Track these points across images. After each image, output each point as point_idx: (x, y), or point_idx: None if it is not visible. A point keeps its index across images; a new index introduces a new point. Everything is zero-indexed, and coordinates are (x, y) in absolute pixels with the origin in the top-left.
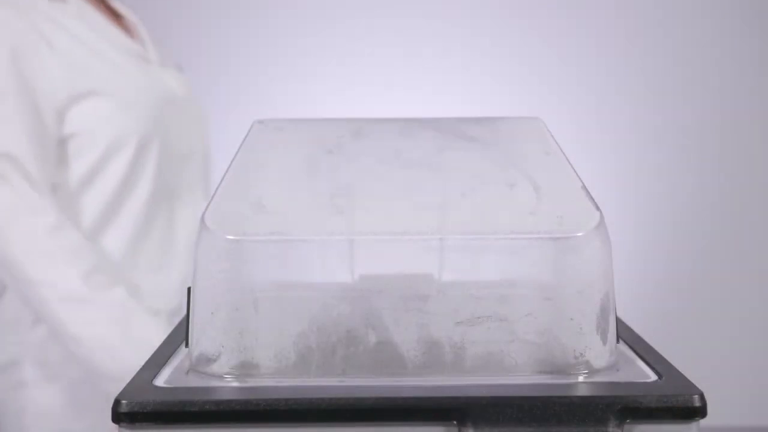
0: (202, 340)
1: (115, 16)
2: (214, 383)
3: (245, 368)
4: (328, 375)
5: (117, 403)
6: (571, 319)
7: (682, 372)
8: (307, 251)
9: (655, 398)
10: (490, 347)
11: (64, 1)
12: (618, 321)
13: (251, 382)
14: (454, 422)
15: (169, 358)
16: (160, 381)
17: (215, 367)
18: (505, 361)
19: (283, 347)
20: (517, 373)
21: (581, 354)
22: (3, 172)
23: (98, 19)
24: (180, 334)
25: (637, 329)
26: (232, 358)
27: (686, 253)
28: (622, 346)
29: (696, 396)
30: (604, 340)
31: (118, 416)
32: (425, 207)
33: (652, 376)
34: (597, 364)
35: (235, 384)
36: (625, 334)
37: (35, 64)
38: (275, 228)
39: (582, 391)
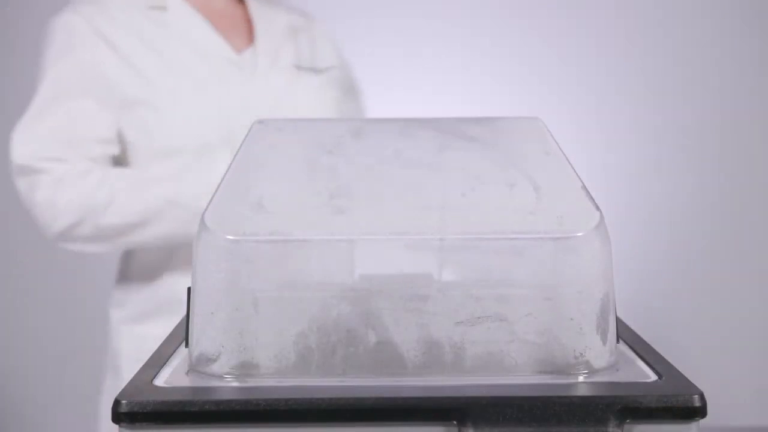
0: (202, 340)
1: (246, 19)
2: (214, 383)
3: (245, 368)
4: (328, 375)
5: (117, 403)
6: (571, 319)
7: (682, 372)
8: (307, 251)
9: (655, 398)
10: (490, 347)
11: (163, 8)
12: (618, 321)
13: (251, 382)
14: (454, 422)
15: (169, 358)
16: (160, 381)
17: (215, 367)
18: (505, 361)
19: (283, 347)
20: (517, 373)
21: (581, 354)
22: (44, 168)
23: (195, 26)
24: (180, 334)
25: (637, 329)
26: (232, 358)
27: (686, 253)
28: (622, 346)
29: (696, 396)
30: (604, 340)
31: (118, 416)
32: (425, 207)
33: (652, 376)
34: (597, 364)
35: (235, 384)
36: (625, 334)
37: (94, 65)
38: (275, 228)
39: (582, 391)
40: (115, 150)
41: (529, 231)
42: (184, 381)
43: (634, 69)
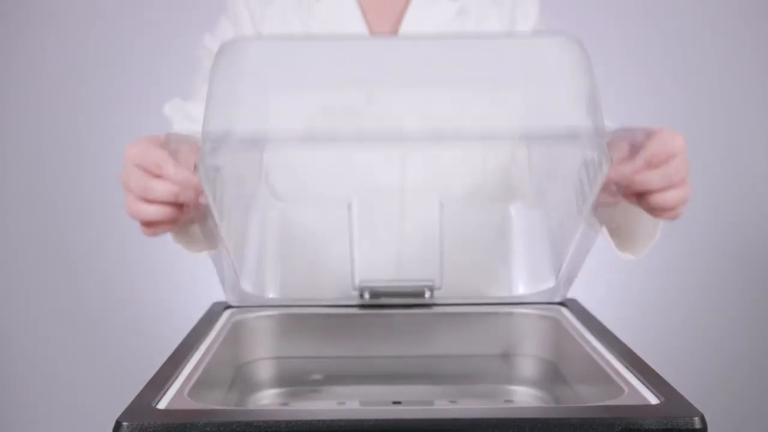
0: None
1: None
2: (215, 406)
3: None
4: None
5: (118, 425)
6: None
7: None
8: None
9: (655, 420)
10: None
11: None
12: (621, 344)
13: (251, 406)
14: None
15: (170, 379)
16: (162, 404)
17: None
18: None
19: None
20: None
21: None
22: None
23: (346, 16)
24: (181, 356)
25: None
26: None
27: (686, 253)
28: (624, 371)
29: (696, 418)
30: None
31: None
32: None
33: (654, 400)
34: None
35: (235, 408)
36: (627, 357)
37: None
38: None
39: (583, 414)
40: None
41: None
42: (186, 404)
43: (634, 69)
